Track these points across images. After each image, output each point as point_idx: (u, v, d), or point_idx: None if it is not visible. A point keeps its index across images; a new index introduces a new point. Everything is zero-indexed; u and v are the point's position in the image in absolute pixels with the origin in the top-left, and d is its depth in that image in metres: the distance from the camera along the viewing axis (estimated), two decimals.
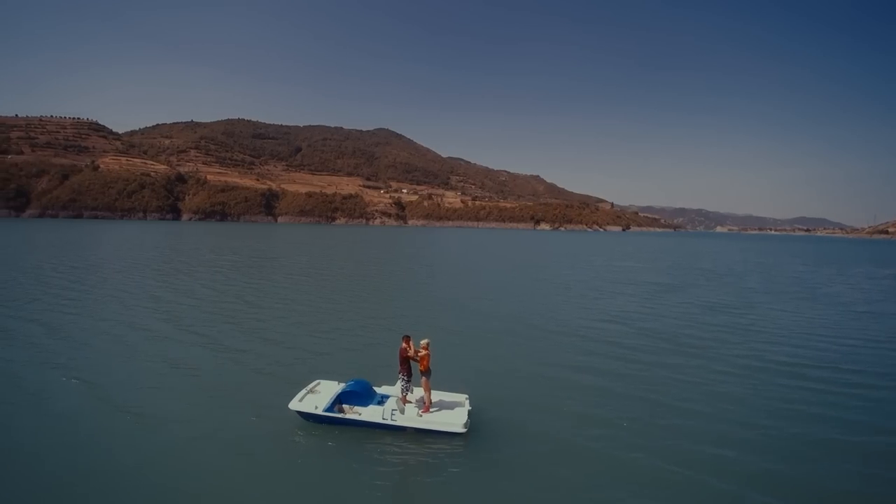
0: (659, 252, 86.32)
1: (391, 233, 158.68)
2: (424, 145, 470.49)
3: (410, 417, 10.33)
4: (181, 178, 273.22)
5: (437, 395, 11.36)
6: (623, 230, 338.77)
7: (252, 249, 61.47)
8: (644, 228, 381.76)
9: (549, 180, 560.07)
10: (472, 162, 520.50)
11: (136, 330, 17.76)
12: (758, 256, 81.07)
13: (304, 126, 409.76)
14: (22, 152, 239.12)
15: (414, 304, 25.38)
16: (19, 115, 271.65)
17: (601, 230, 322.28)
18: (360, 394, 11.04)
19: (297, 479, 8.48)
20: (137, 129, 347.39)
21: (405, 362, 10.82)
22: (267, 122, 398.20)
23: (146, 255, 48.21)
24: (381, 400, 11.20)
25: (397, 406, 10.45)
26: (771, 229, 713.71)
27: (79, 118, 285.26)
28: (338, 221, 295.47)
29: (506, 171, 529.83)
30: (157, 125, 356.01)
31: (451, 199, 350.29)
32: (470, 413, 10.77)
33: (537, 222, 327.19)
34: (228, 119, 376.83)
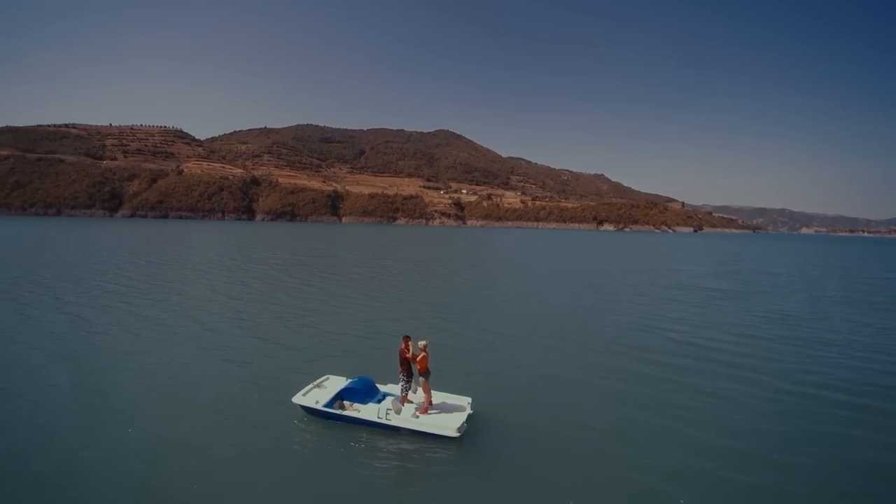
0: (728, 254, 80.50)
1: (447, 233, 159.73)
2: (485, 146, 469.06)
3: (405, 418, 10.18)
4: (255, 181, 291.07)
5: (440, 397, 11.14)
6: (695, 231, 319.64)
7: (308, 248, 64.07)
8: (718, 230, 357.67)
9: (613, 179, 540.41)
10: (533, 162, 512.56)
11: (161, 323, 18.77)
12: (842, 261, 73.51)
13: (368, 129, 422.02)
14: (115, 158, 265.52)
15: (445, 304, 25.18)
16: (113, 124, 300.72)
17: (670, 231, 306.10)
18: (361, 391, 11.10)
19: (282, 470, 8.58)
20: (217, 135, 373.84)
21: (405, 363, 10.69)
22: (333, 126, 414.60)
23: (207, 253, 51.60)
24: (383, 398, 11.17)
25: (392, 406, 10.32)
26: (864, 231, 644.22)
27: (165, 126, 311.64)
28: (399, 221, 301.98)
29: (568, 171, 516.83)
30: (235, 132, 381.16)
31: (511, 199, 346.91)
32: (470, 417, 10.47)
33: (600, 223, 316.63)
34: (298, 124, 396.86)
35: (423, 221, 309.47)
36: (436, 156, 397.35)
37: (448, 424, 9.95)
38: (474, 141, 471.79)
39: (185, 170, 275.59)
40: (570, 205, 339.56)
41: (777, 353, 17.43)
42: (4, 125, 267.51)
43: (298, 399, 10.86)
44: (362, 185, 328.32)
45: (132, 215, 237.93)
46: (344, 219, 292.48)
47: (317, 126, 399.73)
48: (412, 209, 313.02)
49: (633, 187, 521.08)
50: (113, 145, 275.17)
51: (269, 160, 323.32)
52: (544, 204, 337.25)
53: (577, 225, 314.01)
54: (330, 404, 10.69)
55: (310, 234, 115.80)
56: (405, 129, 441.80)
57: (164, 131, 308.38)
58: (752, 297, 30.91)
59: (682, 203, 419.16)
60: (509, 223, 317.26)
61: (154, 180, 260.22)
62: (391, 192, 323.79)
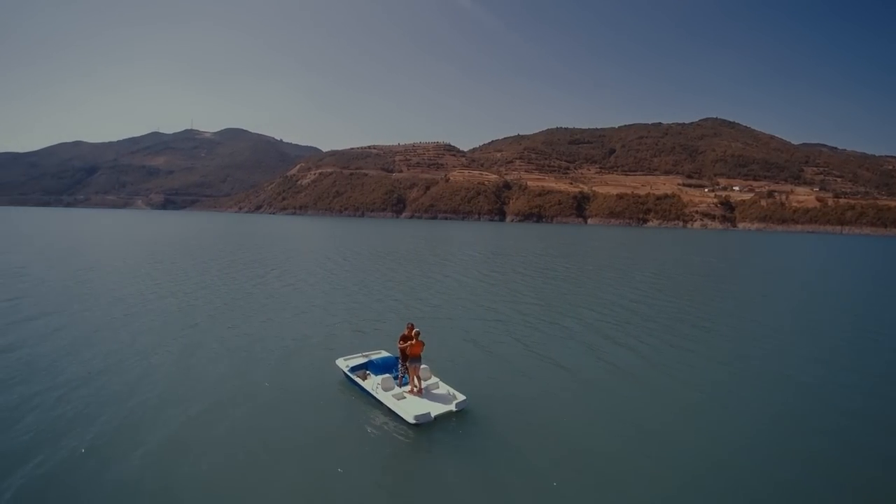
0: None
1: (700, 238, 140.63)
2: (767, 132, 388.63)
3: (386, 395, 11.94)
4: (507, 186, 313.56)
5: (443, 388, 12.48)
6: None
7: (519, 248, 67.24)
8: None
9: None
10: (839, 148, 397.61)
11: (328, 300, 24.65)
12: None
13: (619, 127, 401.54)
14: (401, 171, 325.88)
15: (584, 318, 24.55)
16: (400, 143, 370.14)
17: None
18: (380, 366, 13.25)
19: (282, 412, 11.88)
20: (477, 145, 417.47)
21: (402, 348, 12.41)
22: (583, 127, 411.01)
23: (423, 248, 60.07)
24: (395, 376, 12.97)
25: (382, 382, 12.24)
26: None
27: (438, 142, 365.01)
28: (650, 224, 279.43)
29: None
30: (492, 141, 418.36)
31: (803, 196, 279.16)
32: (452, 413, 11.43)
33: None
34: (548, 129, 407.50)
35: (680, 223, 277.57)
36: (700, 149, 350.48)
37: (412, 411, 11.04)
38: (752, 127, 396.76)
39: (451, 178, 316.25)
40: (894, 203, 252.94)
41: None
42: (329, 150, 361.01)
43: (339, 362, 13.90)
44: (610, 186, 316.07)
45: (411, 216, 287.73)
46: (589, 220, 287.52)
47: (566, 129, 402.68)
48: (666, 210, 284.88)
49: None
50: (400, 160, 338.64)
51: (520, 165, 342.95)
52: (853, 202, 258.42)
53: None
54: (353, 371, 13.26)
55: (543, 234, 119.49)
56: (662, 121, 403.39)
57: (437, 146, 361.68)
58: None
59: None
60: (798, 227, 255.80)
61: (428, 188, 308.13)
62: (642, 191, 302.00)
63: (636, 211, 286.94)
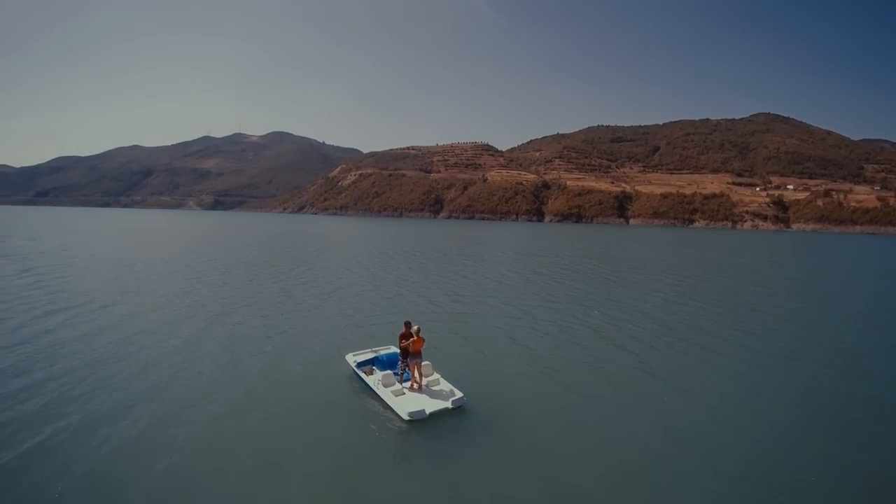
0: None
1: (749, 239, 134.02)
2: (823, 128, 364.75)
3: (385, 391, 12.08)
4: (546, 185, 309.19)
5: (444, 385, 12.49)
6: None
7: (549, 249, 66.27)
8: None
9: None
10: None
11: (336, 296, 25.05)
12: None
13: (664, 124, 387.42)
14: (439, 171, 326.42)
15: (579, 325, 23.88)
16: (438, 144, 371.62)
17: None
18: (385, 362, 13.54)
19: (285, 401, 12.14)
20: (516, 145, 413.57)
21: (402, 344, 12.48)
22: (625, 125, 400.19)
23: (452, 249, 60.03)
24: (395, 372, 13.08)
25: (383, 379, 12.37)
26: None
27: (476, 142, 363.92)
28: (696, 224, 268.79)
29: None
30: (531, 140, 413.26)
31: (863, 195, 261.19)
32: (449, 410, 11.41)
33: None
34: (589, 127, 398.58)
35: (729, 224, 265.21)
36: (751, 145, 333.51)
37: (407, 407, 11.20)
38: (808, 123, 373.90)
39: (489, 178, 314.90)
40: None
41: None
42: (369, 151, 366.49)
43: (348, 357, 14.18)
44: (654, 185, 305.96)
45: (449, 217, 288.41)
46: (631, 221, 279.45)
47: (608, 127, 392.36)
48: (714, 210, 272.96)
49: None
50: (438, 161, 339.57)
51: (559, 164, 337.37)
52: None
53: None
54: (360, 366, 13.49)
55: (579, 235, 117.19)
56: (711, 117, 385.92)
57: (475, 146, 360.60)
58: None
59: None
60: (857, 228, 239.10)
61: (465, 188, 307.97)
62: (688, 190, 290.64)
63: (681, 211, 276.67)
